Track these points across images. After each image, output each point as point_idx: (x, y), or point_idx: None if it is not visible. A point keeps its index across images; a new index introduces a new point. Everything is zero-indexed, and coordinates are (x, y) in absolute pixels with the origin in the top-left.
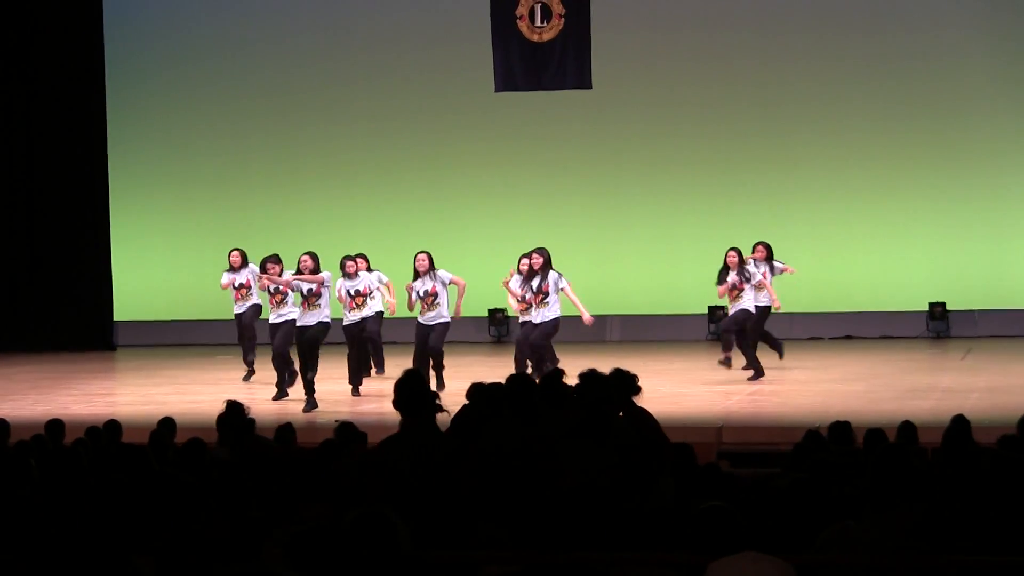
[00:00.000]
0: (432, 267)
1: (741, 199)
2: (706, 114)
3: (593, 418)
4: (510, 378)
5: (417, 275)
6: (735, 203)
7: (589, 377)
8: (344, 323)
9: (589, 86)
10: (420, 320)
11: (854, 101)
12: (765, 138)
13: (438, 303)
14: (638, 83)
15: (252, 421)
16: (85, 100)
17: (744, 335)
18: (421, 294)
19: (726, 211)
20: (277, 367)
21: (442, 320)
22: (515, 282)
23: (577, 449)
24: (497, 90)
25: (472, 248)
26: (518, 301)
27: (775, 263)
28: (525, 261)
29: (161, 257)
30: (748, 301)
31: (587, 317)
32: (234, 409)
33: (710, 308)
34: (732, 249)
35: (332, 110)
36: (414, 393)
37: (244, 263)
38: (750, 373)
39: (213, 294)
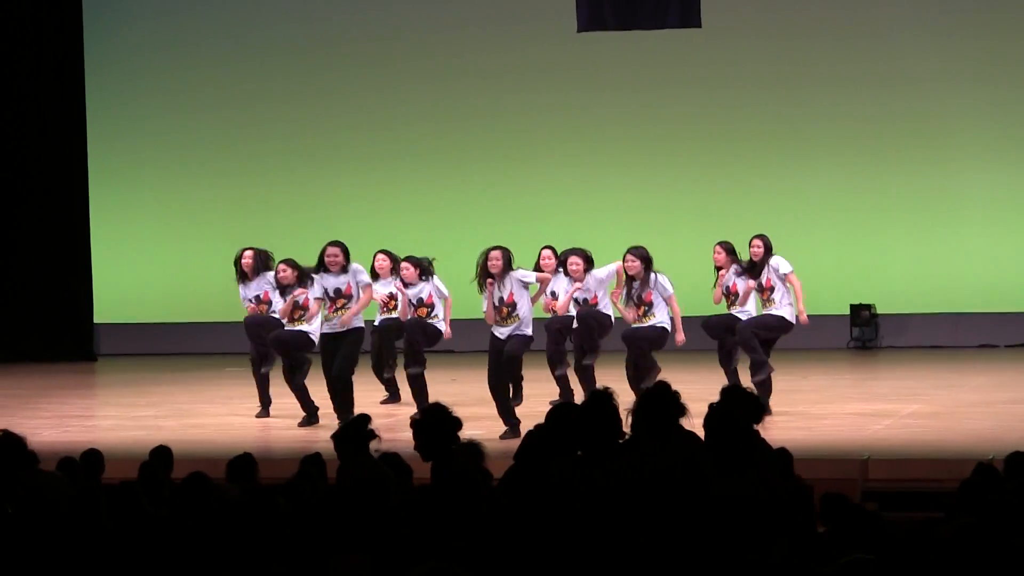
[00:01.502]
0: (508, 267)
1: (898, 171)
2: (854, 61)
3: (732, 444)
4: (645, 395)
5: (490, 277)
6: (888, 177)
7: (731, 394)
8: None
9: (698, 24)
10: (493, 331)
11: None
12: (927, 111)
13: (517, 315)
14: (762, 20)
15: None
16: (59, 71)
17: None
18: (496, 303)
19: (879, 185)
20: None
21: (522, 332)
22: (563, 283)
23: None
24: (580, 30)
25: (546, 237)
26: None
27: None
28: (576, 259)
29: (151, 248)
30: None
31: (680, 337)
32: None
33: (852, 307)
34: (757, 237)
35: (365, 68)
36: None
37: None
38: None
39: (217, 292)
